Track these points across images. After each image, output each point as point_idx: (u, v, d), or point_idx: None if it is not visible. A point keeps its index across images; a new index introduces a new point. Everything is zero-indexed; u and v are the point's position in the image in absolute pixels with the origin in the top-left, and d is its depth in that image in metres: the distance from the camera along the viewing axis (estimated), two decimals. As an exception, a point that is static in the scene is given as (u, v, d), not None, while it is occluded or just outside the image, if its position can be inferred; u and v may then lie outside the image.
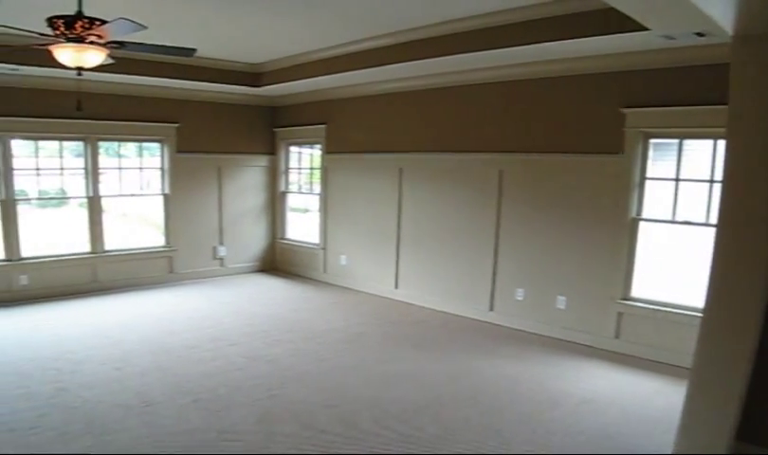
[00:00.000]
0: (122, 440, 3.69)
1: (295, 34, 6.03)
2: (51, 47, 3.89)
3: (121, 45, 4.07)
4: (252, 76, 7.79)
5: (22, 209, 7.21)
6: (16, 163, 7.01)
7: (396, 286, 7.54)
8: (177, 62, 6.69)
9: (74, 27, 3.70)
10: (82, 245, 7.68)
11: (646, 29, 3.97)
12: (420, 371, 5.02)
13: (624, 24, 4.00)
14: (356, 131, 7.89)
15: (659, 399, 4.44)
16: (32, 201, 7.70)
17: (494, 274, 6.41)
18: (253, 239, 9.32)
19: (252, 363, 5.13)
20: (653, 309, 5.26)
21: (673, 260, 5.52)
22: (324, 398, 4.39)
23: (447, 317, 6.73)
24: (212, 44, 6.31)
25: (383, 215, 7.57)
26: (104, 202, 7.83)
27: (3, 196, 6.91)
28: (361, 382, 4.75)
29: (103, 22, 3.68)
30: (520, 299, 6.23)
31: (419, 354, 5.47)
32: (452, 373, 4.99)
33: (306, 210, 9.59)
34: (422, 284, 7.22)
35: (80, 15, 3.71)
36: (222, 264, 8.95)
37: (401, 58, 5.88)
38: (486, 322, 6.44)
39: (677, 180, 5.18)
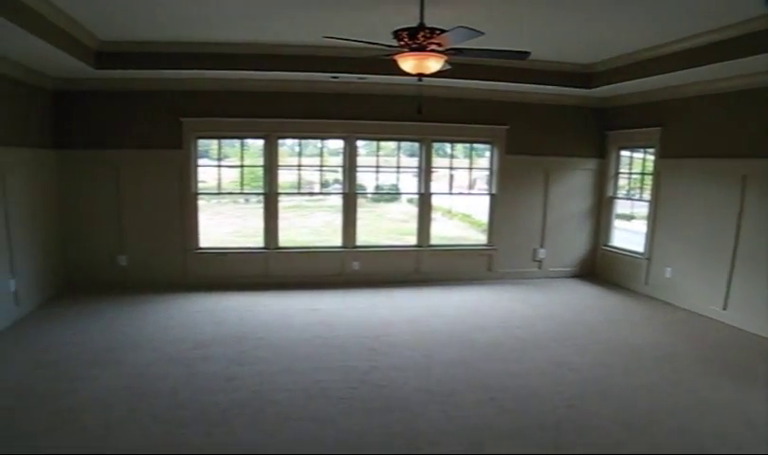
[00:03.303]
0: (418, 422, 3.92)
1: (632, 29, 5.42)
2: (395, 57, 4.24)
3: (459, 51, 4.19)
4: (583, 77, 7.30)
5: (359, 202, 8.17)
6: (359, 161, 8.01)
7: (725, 307, 6.48)
8: (509, 65, 6.72)
9: (416, 37, 3.97)
10: (408, 237, 8.33)
11: None
12: (736, 406, 4.27)
13: None
14: (694, 133, 6.98)
15: None
16: (368, 195, 8.63)
17: None
18: (574, 243, 8.86)
19: (556, 369, 4.97)
20: None
21: None
22: (623, 417, 4.08)
23: (781, 348, 5.64)
24: (543, 45, 6.08)
25: (718, 226, 6.56)
26: (433, 199, 8.35)
27: (346, 190, 7.99)
28: (667, 406, 4.28)
29: (443, 31, 3.84)
30: None
31: (738, 386, 4.66)
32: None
33: (632, 217, 8.85)
34: (756, 308, 6.06)
35: (422, 26, 3.97)
36: (540, 267, 8.75)
37: (745, 52, 4.98)
38: (830, 360, 5.22)
39: None
